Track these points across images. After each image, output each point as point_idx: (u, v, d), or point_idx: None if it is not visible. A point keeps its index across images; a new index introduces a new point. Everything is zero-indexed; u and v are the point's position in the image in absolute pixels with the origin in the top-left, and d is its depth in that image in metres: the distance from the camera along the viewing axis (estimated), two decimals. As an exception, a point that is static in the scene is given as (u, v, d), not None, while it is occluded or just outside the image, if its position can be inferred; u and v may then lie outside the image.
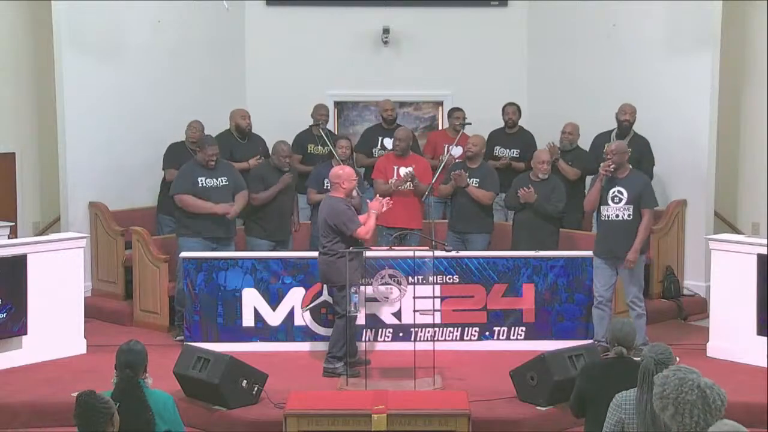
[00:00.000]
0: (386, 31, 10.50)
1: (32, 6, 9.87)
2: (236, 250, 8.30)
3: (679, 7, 9.19)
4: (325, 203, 7.26)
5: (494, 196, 8.57)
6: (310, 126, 9.50)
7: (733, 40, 9.52)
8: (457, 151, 9.34)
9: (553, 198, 8.22)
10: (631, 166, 7.64)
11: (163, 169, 9.16)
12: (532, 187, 8.20)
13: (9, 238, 8.71)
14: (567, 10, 10.18)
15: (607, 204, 7.44)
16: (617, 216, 7.41)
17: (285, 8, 10.63)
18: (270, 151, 8.91)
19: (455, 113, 9.73)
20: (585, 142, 9.28)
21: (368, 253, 7.32)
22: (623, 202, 7.39)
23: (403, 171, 8.46)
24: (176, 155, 8.98)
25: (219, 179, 8.21)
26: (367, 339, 7.28)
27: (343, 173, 7.26)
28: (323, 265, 7.15)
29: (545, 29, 10.50)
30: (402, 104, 10.82)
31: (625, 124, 8.96)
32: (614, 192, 7.42)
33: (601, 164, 7.63)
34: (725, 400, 3.55)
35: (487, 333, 7.83)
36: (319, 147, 9.41)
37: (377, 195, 7.76)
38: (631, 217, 7.38)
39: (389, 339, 7.78)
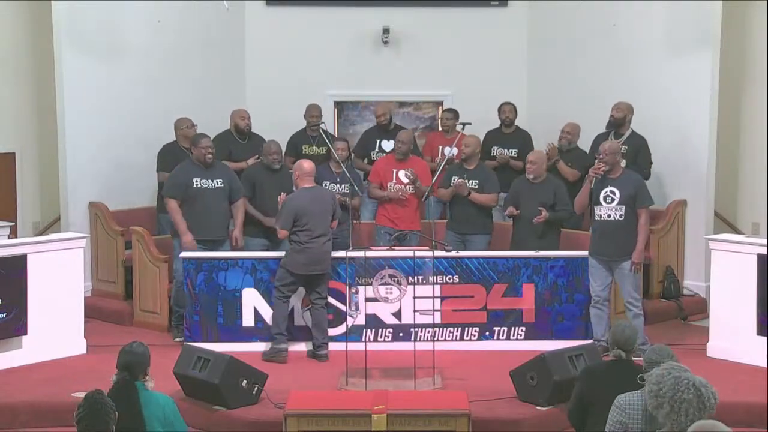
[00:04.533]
0: (386, 31, 10.49)
1: (32, 6, 9.87)
2: (231, 249, 8.21)
3: (679, 7, 9.18)
4: (328, 193, 7.85)
5: (497, 196, 8.52)
6: (305, 127, 9.47)
7: (733, 40, 9.52)
8: (450, 151, 9.37)
9: (559, 202, 8.10)
10: (624, 166, 7.63)
11: (157, 171, 9.04)
12: (522, 191, 8.19)
13: (9, 238, 8.72)
14: (567, 10, 10.18)
15: (600, 204, 7.43)
16: (609, 216, 7.40)
17: (285, 8, 10.63)
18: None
19: (445, 114, 9.82)
20: (585, 143, 9.27)
21: (368, 253, 7.33)
22: (615, 201, 7.38)
23: (402, 173, 8.48)
24: (171, 157, 8.85)
25: (215, 181, 8.08)
26: (367, 339, 7.27)
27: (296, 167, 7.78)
28: (330, 249, 7.62)
29: (545, 29, 10.50)
30: (402, 104, 10.83)
31: (611, 120, 8.95)
32: (606, 192, 7.41)
33: (592, 166, 7.62)
34: (717, 399, 3.64)
35: (487, 333, 7.83)
36: (314, 147, 9.36)
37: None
38: (623, 217, 7.36)
39: (389, 339, 7.77)
